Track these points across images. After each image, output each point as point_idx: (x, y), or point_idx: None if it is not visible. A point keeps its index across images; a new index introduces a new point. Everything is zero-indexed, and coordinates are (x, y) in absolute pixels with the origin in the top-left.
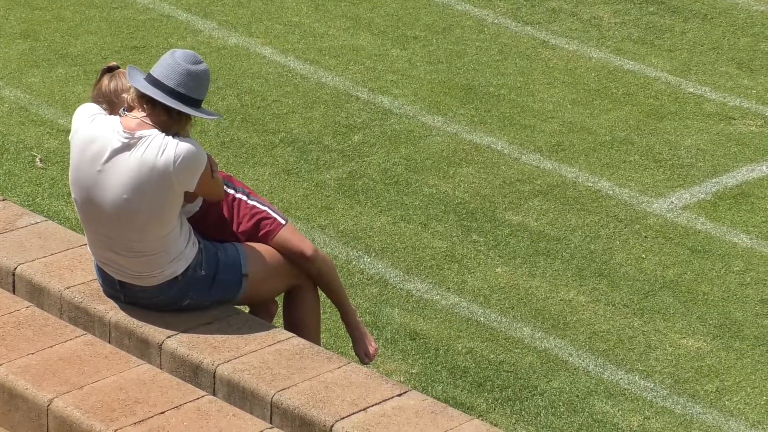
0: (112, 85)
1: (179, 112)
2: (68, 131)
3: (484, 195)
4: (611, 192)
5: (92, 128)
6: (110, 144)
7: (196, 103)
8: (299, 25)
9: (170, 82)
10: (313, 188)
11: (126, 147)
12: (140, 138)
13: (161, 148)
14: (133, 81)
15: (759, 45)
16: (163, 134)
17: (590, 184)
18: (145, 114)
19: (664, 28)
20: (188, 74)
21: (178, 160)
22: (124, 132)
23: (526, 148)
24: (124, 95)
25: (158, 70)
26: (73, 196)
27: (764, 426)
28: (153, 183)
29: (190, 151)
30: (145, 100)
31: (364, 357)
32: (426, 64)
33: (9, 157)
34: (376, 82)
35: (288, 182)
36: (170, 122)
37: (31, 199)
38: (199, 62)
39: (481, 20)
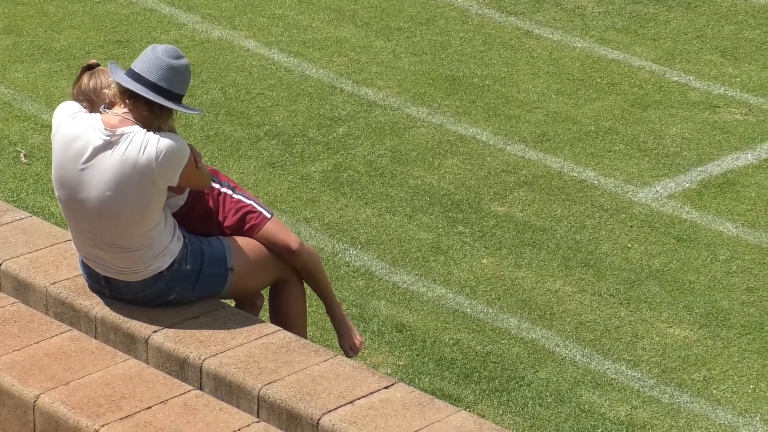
0: (92, 83)
1: (161, 107)
2: (49, 126)
3: (469, 186)
4: (596, 182)
5: (73, 126)
6: (92, 142)
7: (177, 98)
8: (283, 17)
9: (152, 77)
10: (298, 181)
11: (108, 145)
12: (122, 135)
13: (143, 145)
14: (115, 76)
15: (743, 33)
16: (144, 130)
17: (575, 174)
18: (126, 110)
19: (648, 17)
20: (170, 68)
21: (161, 156)
22: (106, 129)
23: (511, 139)
24: (105, 91)
25: (139, 65)
26: (56, 193)
27: (751, 414)
28: (136, 179)
29: (172, 146)
30: (126, 95)
31: (348, 350)
32: (410, 55)
33: None
34: (360, 74)
35: (273, 175)
36: (152, 117)
37: (15, 194)
38: (180, 57)
39: (465, 11)
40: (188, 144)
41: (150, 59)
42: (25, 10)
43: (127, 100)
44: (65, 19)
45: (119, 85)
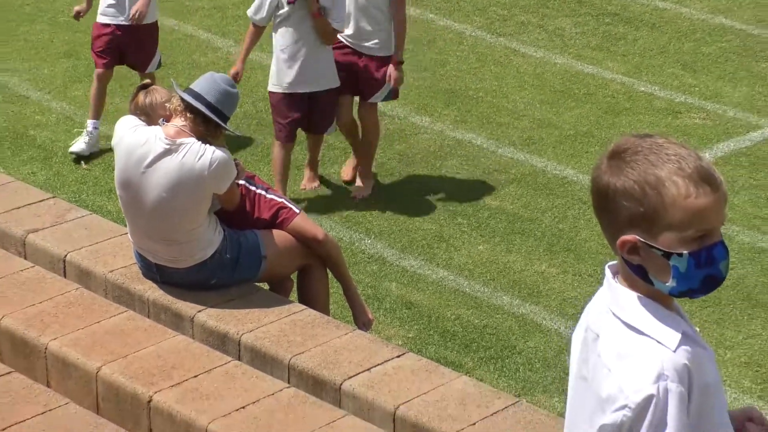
0: (147, 100)
1: (216, 124)
2: (108, 137)
3: (467, 183)
4: (575, 178)
5: (136, 136)
6: (153, 149)
7: (225, 120)
8: None
9: (210, 98)
10: (320, 181)
11: (167, 152)
12: (180, 144)
13: (199, 154)
14: (179, 92)
15: (701, 48)
16: (200, 142)
17: (557, 172)
18: (184, 123)
19: (619, 36)
20: (226, 93)
21: (213, 165)
22: (166, 139)
23: (501, 143)
24: (166, 105)
25: (199, 87)
26: (118, 193)
27: None
28: (189, 184)
29: (224, 158)
30: (188, 110)
31: (362, 326)
32: (414, 72)
33: (57, 160)
34: None
35: (298, 176)
36: (205, 132)
37: (77, 195)
38: (234, 86)
39: (461, 33)
40: (238, 162)
41: (210, 83)
42: (83, 37)
43: (188, 114)
44: None
45: (183, 101)
